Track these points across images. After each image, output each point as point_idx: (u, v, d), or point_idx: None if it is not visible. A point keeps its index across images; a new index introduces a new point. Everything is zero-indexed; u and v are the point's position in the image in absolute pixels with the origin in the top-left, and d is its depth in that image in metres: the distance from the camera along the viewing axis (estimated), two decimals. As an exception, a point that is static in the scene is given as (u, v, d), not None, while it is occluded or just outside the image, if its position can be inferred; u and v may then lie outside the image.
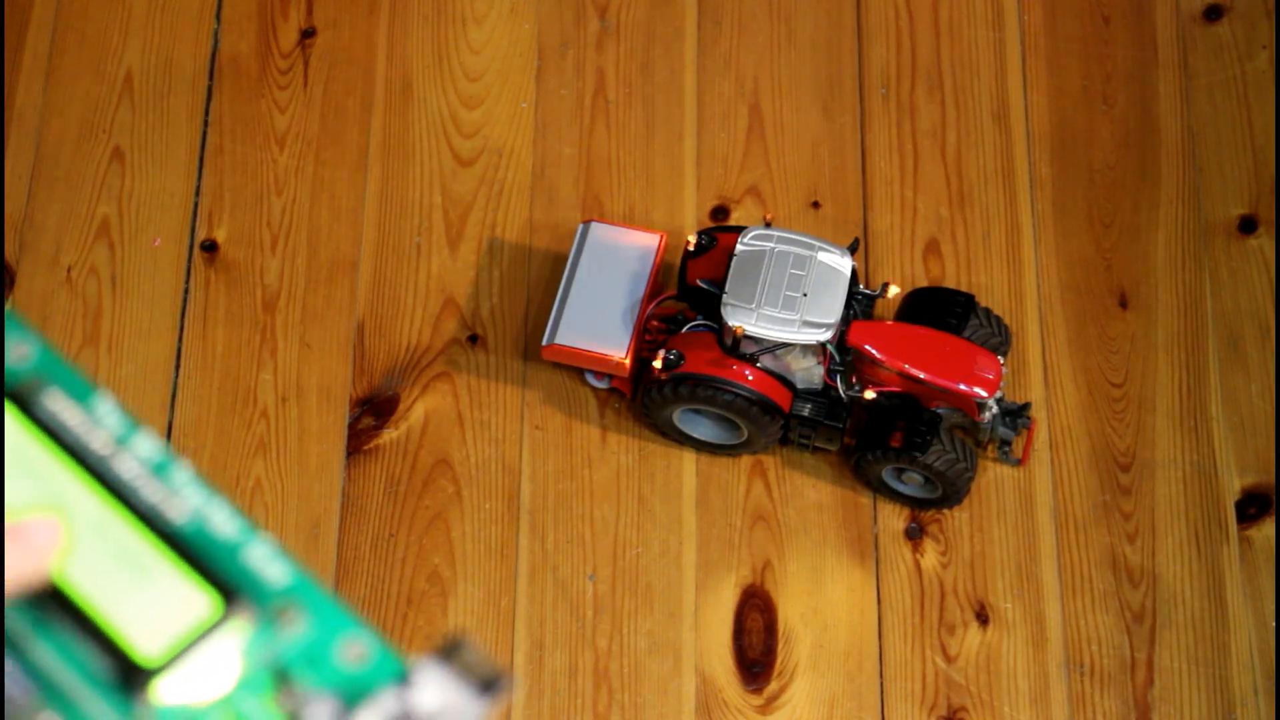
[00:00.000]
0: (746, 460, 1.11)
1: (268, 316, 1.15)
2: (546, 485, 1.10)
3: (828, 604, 1.08)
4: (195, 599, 0.40)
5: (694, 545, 1.09)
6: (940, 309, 1.08)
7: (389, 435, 1.12)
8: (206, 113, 1.22)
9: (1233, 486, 1.11)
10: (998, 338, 1.09)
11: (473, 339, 1.14)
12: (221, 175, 1.19)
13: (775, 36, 1.25)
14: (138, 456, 0.42)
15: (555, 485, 1.10)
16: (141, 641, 0.39)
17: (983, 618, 1.07)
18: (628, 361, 1.08)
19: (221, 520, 0.41)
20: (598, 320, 1.09)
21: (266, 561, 0.41)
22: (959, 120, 1.21)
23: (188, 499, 0.41)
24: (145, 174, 1.19)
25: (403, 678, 0.39)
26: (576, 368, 1.12)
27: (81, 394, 0.42)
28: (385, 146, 1.20)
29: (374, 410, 1.12)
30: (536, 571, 1.08)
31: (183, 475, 0.42)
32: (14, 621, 0.40)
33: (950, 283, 1.16)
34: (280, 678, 0.40)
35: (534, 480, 1.10)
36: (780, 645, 1.07)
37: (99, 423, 0.42)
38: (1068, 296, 1.16)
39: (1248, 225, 1.18)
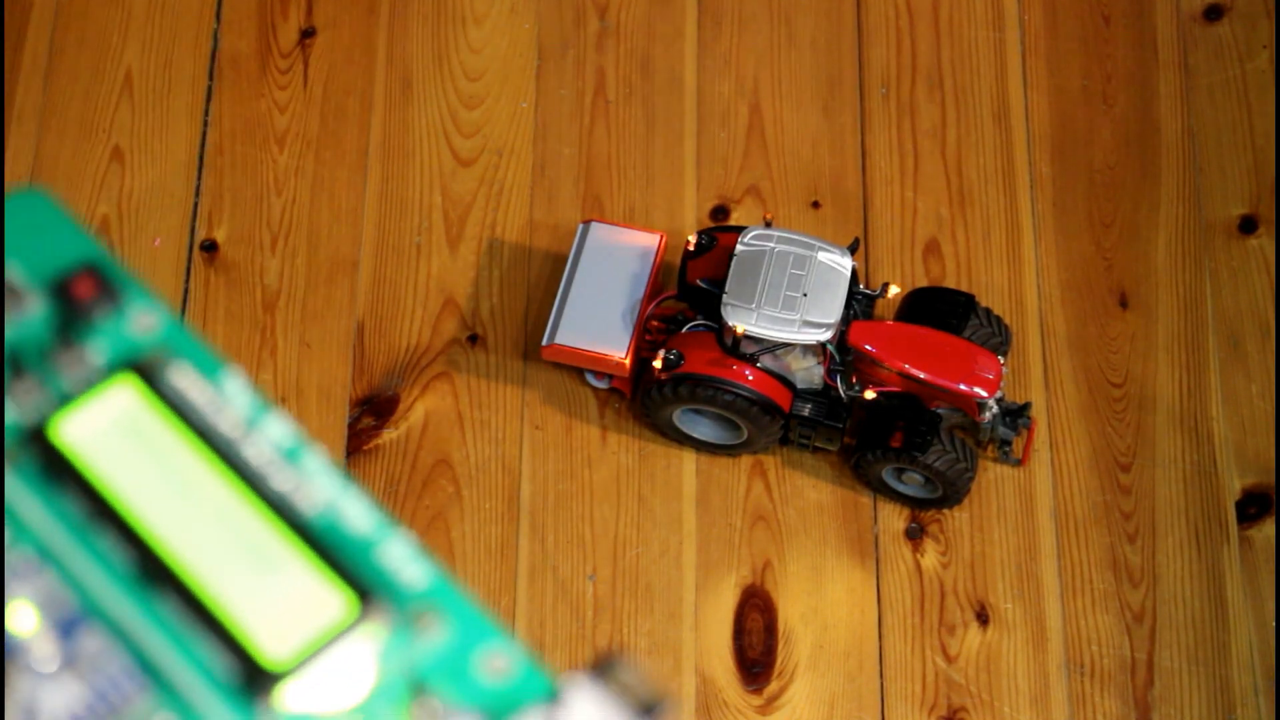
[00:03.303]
0: (746, 460, 1.11)
1: (268, 316, 1.15)
2: (546, 485, 1.10)
3: (828, 604, 1.08)
4: (328, 598, 0.37)
5: (694, 545, 1.09)
6: (940, 309, 1.08)
7: (389, 435, 1.12)
8: (206, 113, 1.22)
9: (1233, 486, 1.11)
10: (998, 338, 1.09)
11: (473, 339, 1.14)
12: (221, 175, 1.19)
13: (775, 36, 1.25)
14: (268, 440, 0.38)
15: (555, 485, 1.10)
16: (268, 642, 0.36)
17: (983, 618, 1.07)
18: (628, 361, 1.08)
19: (356, 514, 0.38)
20: (598, 320, 1.09)
21: (404, 561, 0.38)
22: (959, 120, 1.21)
23: (321, 489, 0.38)
24: (145, 174, 1.19)
25: (551, 696, 0.36)
26: (576, 368, 1.12)
27: (210, 369, 0.39)
28: (385, 146, 1.20)
29: (374, 410, 1.12)
30: (536, 571, 1.08)
31: (315, 463, 0.38)
32: (129, 611, 0.37)
33: (950, 283, 1.16)
34: (417, 689, 0.37)
35: (534, 480, 1.10)
36: (780, 645, 1.07)
37: (228, 402, 0.39)
38: (1068, 296, 1.16)
39: (1248, 225, 1.18)
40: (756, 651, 1.06)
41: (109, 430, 0.38)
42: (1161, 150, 1.21)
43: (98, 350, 0.39)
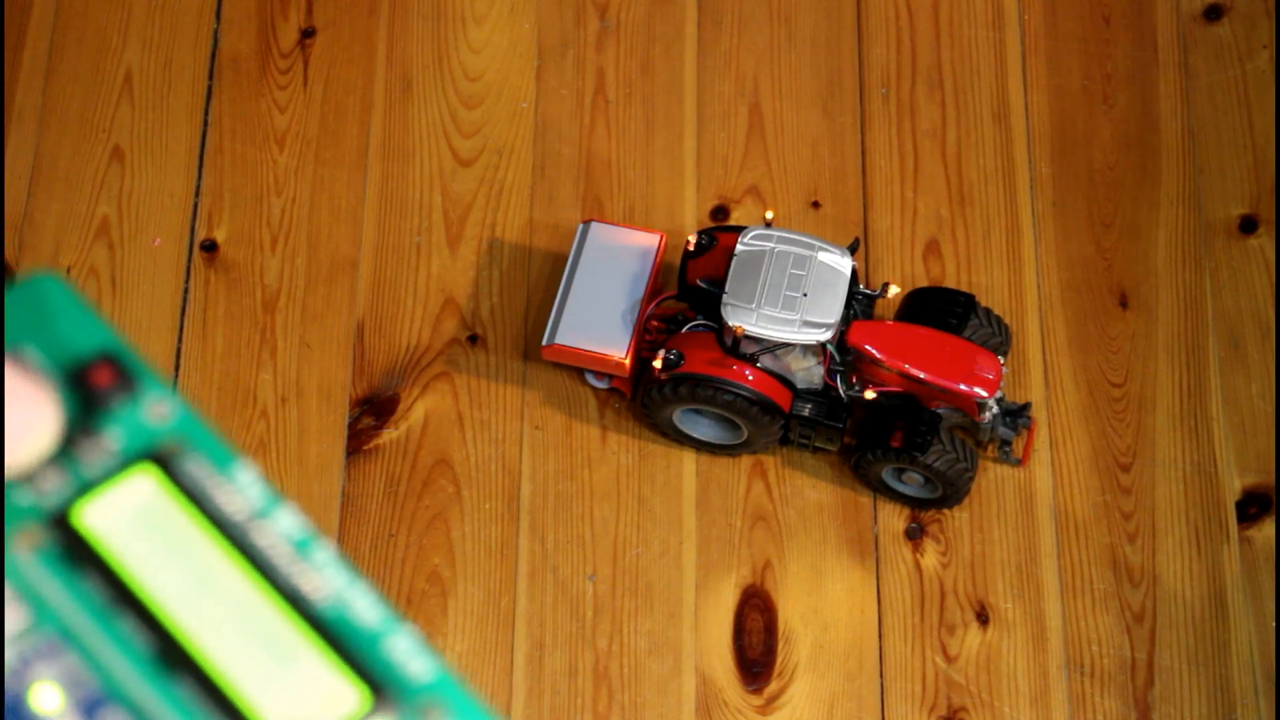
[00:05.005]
0: (746, 460, 1.11)
1: (267, 316, 1.15)
2: (546, 485, 1.10)
3: (828, 604, 1.08)
4: (343, 690, 0.37)
5: (694, 545, 1.09)
6: (940, 309, 1.08)
7: (389, 435, 1.12)
8: (206, 113, 1.22)
9: (1233, 486, 1.11)
10: (998, 338, 1.09)
11: (473, 339, 1.14)
12: (221, 175, 1.19)
13: (775, 36, 1.25)
14: (279, 531, 0.39)
15: (555, 485, 1.10)
16: None
17: (983, 618, 1.07)
18: (628, 361, 1.08)
19: (364, 606, 0.39)
20: (598, 320, 1.09)
21: (410, 655, 0.38)
22: (959, 120, 1.21)
23: (330, 581, 0.39)
24: (145, 174, 1.19)
25: None
26: (576, 368, 1.12)
27: (222, 461, 0.40)
28: (385, 146, 1.20)
29: (374, 410, 1.12)
30: (536, 571, 1.08)
31: (324, 555, 0.39)
32: (149, 694, 0.37)
33: (950, 283, 1.16)
34: None
35: (534, 480, 1.10)
36: (780, 645, 1.07)
37: (240, 492, 0.40)
38: (1068, 296, 1.16)
39: (1248, 225, 1.18)
40: (756, 651, 1.06)
41: (130, 517, 0.39)
42: (1161, 150, 1.21)
43: (115, 438, 0.40)
